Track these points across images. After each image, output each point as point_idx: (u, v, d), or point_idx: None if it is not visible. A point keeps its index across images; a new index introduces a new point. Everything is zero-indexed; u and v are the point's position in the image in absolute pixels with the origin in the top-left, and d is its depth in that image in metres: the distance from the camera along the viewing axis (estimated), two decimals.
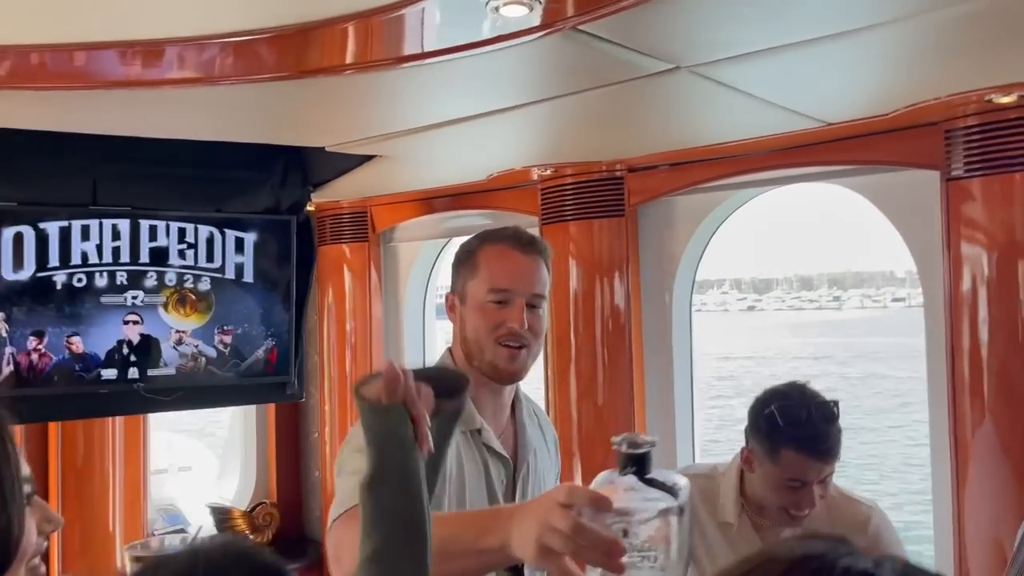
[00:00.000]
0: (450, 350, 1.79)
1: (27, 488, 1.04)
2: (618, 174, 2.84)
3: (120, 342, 2.99)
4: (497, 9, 1.32)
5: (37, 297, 2.82)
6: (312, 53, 1.69)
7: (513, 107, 2.08)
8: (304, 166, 3.21)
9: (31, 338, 2.80)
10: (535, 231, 3.09)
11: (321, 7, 1.45)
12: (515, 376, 1.73)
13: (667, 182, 2.75)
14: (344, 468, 1.51)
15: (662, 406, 2.96)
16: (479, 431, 1.73)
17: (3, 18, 1.52)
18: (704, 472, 2.02)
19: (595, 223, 2.91)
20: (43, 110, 2.21)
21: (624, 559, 0.96)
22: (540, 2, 1.31)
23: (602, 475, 1.04)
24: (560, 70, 1.78)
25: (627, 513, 0.97)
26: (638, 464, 0.99)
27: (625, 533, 0.97)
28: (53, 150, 2.62)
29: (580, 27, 1.41)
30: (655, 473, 1.00)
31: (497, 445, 1.75)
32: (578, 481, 3.01)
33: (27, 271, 2.80)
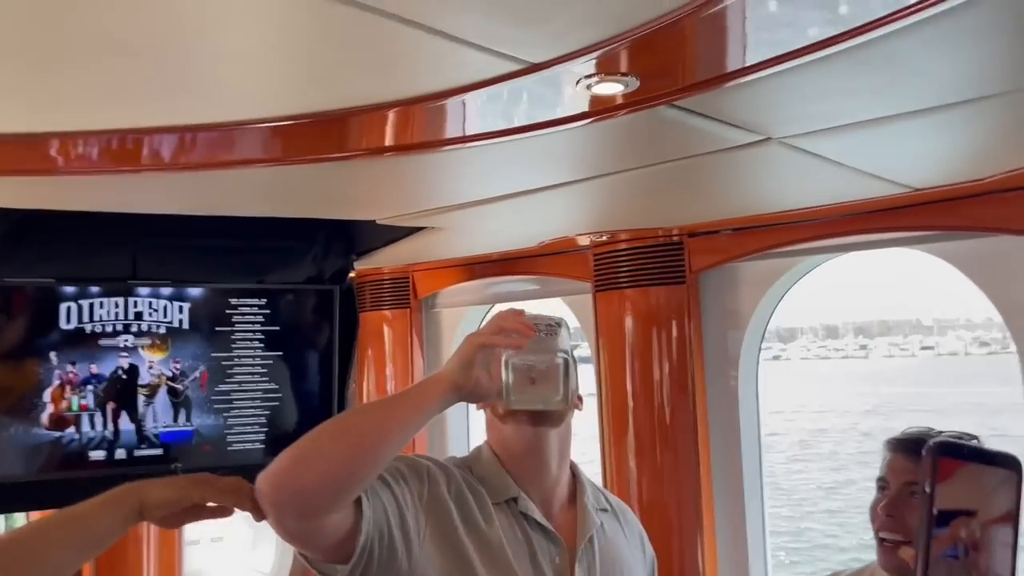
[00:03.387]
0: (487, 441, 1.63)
1: None
2: (676, 239, 2.73)
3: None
4: (589, 87, 1.22)
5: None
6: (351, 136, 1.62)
7: (579, 180, 1.99)
8: (349, 236, 3.14)
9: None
10: (588, 297, 2.98)
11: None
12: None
13: (732, 247, 2.63)
14: None
15: (728, 470, 2.78)
16: (515, 500, 1.54)
17: (54, 106, 1.45)
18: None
19: (652, 290, 2.79)
20: (88, 192, 2.14)
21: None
22: (637, 78, 1.20)
23: None
24: (639, 143, 1.67)
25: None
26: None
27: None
28: (93, 228, 2.56)
29: (675, 102, 1.30)
30: None
31: (539, 516, 1.54)
32: None
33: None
